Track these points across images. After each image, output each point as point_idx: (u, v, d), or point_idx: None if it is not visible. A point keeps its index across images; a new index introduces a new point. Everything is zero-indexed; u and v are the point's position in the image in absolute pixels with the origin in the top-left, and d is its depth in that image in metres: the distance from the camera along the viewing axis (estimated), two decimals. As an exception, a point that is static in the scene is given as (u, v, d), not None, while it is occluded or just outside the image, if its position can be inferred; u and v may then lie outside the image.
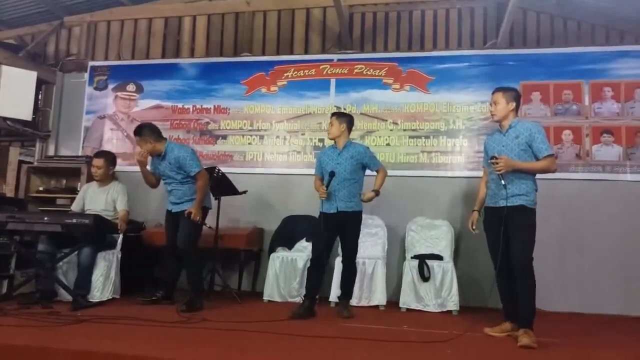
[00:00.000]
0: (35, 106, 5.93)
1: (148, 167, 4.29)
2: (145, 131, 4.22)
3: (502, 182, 3.29)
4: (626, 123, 4.94)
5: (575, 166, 4.94)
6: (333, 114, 4.24)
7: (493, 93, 3.52)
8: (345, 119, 4.17)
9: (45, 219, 4.06)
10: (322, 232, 4.00)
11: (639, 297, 4.60)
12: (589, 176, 4.90)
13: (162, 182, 4.35)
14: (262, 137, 5.62)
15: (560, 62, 5.11)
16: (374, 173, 4.18)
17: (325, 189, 3.97)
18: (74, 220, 4.05)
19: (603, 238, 4.76)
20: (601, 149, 4.94)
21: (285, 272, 4.72)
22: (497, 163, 3.28)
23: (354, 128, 5.30)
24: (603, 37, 5.30)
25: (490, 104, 3.52)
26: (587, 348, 3.20)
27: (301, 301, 4.06)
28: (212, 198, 4.52)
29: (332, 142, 4.20)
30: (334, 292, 4.48)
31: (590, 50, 5.10)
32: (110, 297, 4.24)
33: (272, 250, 4.96)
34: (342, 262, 4.16)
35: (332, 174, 3.98)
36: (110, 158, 4.67)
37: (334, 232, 4.07)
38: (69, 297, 4.05)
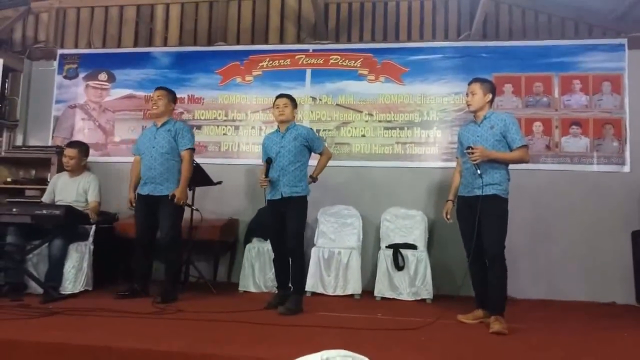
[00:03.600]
0: (1, 95, 5.77)
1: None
2: (170, 91, 4.30)
3: (478, 171, 3.34)
4: (594, 115, 5.07)
5: (545, 157, 5.05)
6: (285, 96, 4.00)
7: (470, 83, 3.56)
8: (295, 103, 4.05)
9: (14, 210, 3.97)
10: (271, 222, 3.92)
11: (603, 284, 4.76)
12: (558, 167, 5.02)
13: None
14: (237, 128, 5.58)
15: (532, 54, 5.20)
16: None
17: (265, 177, 3.83)
18: (44, 211, 3.97)
19: (570, 227, 4.90)
20: (570, 140, 5.07)
21: (261, 262, 4.72)
22: (473, 153, 3.33)
23: (329, 119, 5.41)
24: (572, 30, 5.40)
25: (467, 94, 3.57)
26: (554, 334, 3.30)
27: (276, 291, 4.07)
28: (188, 189, 4.48)
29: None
30: (310, 282, 4.50)
31: (560, 44, 5.20)
32: (83, 289, 4.16)
33: (247, 241, 4.96)
34: (288, 251, 3.86)
35: (269, 161, 3.85)
36: (84, 149, 4.61)
37: (282, 218, 3.86)
38: (40, 290, 3.97)
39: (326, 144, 4.16)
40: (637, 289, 4.59)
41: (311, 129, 4.21)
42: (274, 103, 4.05)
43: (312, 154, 4.06)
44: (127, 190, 4.25)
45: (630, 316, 4.14)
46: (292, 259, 3.85)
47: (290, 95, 4.05)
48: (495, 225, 3.33)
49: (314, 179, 4.06)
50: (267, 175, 3.83)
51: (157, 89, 4.28)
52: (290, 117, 3.98)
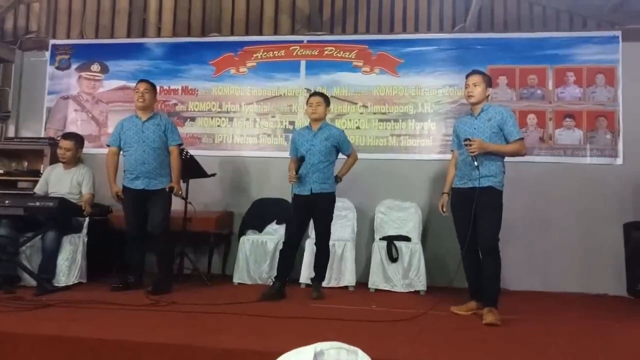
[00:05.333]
0: (-7, 86, 5.73)
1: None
2: (154, 85, 4.28)
3: (475, 163, 3.35)
4: (587, 108, 5.08)
5: (539, 149, 5.07)
6: (318, 94, 4.21)
7: (471, 75, 3.55)
8: (329, 101, 4.20)
9: (7, 202, 3.95)
10: (295, 215, 4.00)
11: (596, 275, 4.79)
12: (552, 159, 5.04)
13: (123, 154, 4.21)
14: (231, 119, 5.56)
15: (526, 46, 5.20)
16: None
17: (295, 173, 3.95)
18: (38, 203, 3.95)
19: (564, 219, 4.92)
20: (563, 132, 5.08)
21: (256, 254, 4.72)
22: (470, 145, 3.34)
23: (324, 111, 5.40)
24: (567, 22, 5.40)
25: (467, 85, 3.54)
26: (546, 325, 3.33)
27: (271, 283, 4.08)
28: (181, 181, 4.47)
29: (307, 122, 4.20)
30: (305, 274, 4.52)
31: (555, 36, 5.20)
32: (77, 282, 4.16)
33: (242, 233, 4.96)
34: (316, 244, 4.15)
35: (301, 159, 3.96)
36: (79, 140, 4.58)
37: (307, 214, 4.06)
38: (34, 282, 3.96)
39: (354, 152, 4.27)
40: (629, 281, 4.63)
41: (343, 131, 4.29)
42: (307, 100, 4.19)
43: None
44: (112, 183, 4.19)
45: (622, 307, 4.18)
46: (322, 252, 4.10)
47: (324, 94, 4.24)
48: (490, 217, 3.34)
49: (339, 178, 4.16)
50: (297, 171, 3.93)
51: (143, 81, 4.25)
52: (323, 116, 4.12)
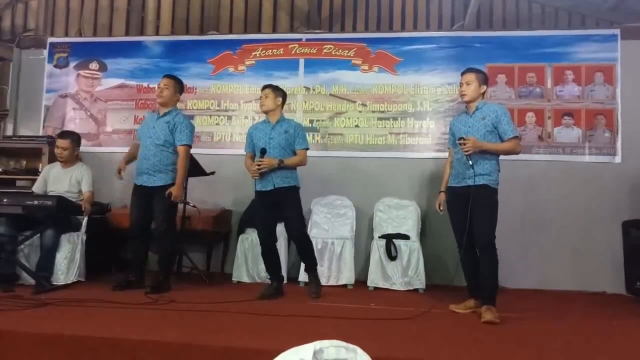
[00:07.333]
0: (-9, 84, 5.72)
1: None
2: (178, 80, 4.24)
3: (470, 162, 3.35)
4: (586, 106, 5.09)
5: (537, 148, 5.07)
6: (268, 86, 4.04)
7: (465, 73, 3.55)
8: (280, 92, 4.03)
9: (5, 200, 3.94)
10: (262, 213, 3.93)
11: (594, 273, 4.80)
12: (550, 157, 5.05)
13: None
14: (230, 118, 5.55)
15: (525, 45, 5.20)
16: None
17: (257, 168, 3.82)
18: (36, 202, 3.94)
19: (562, 217, 4.93)
20: (562, 131, 5.08)
21: (254, 253, 4.71)
22: (464, 144, 3.33)
23: (323, 109, 5.39)
24: (565, 20, 5.41)
25: (461, 84, 3.54)
26: (545, 323, 3.33)
27: (269, 282, 4.08)
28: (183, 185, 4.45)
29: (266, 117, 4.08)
30: (303, 273, 4.51)
31: (553, 34, 5.20)
32: (76, 280, 4.15)
33: (240, 231, 4.95)
34: (292, 239, 4.05)
35: (263, 151, 3.84)
36: (75, 139, 4.55)
37: (274, 210, 3.92)
38: (32, 281, 3.95)
39: (306, 151, 4.01)
40: (627, 279, 4.63)
41: (302, 126, 4.14)
42: None
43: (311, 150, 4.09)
44: (122, 160, 4.22)
45: (620, 305, 4.18)
46: (301, 243, 3.97)
47: (273, 85, 4.07)
48: (486, 216, 3.34)
49: (281, 162, 3.83)
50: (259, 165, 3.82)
51: (165, 76, 4.23)
52: (273, 107, 3.97)
